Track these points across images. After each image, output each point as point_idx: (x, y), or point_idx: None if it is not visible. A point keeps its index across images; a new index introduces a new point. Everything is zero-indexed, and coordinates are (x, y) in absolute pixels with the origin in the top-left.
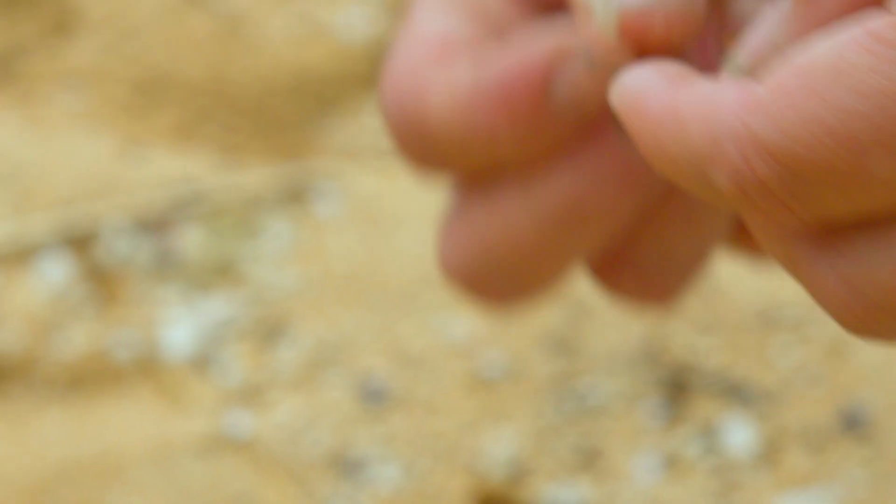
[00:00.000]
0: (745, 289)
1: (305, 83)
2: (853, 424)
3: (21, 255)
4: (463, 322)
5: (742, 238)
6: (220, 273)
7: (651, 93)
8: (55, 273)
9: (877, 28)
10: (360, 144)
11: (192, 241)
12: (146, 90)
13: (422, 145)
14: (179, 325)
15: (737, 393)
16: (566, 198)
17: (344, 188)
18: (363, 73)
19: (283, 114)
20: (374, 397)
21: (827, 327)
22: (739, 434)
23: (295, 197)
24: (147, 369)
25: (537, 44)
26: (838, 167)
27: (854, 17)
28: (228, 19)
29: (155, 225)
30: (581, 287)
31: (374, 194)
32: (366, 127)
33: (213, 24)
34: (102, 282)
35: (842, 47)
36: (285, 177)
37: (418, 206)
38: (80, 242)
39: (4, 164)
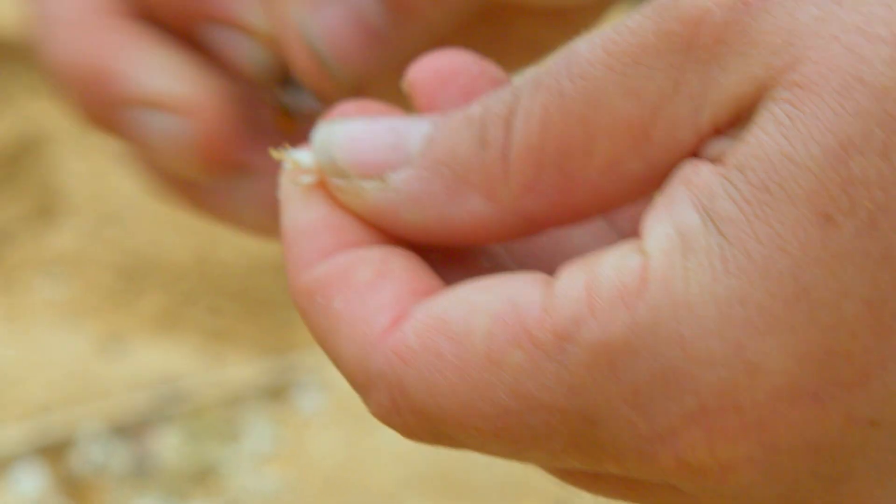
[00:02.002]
0: None
1: None
2: None
3: None
4: None
5: None
6: (198, 479)
7: (308, 273)
8: (29, 485)
9: (527, 319)
10: None
11: (170, 445)
12: (129, 275)
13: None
14: None
15: None
16: None
17: (327, 380)
18: None
19: (269, 294)
20: None
21: None
22: None
23: (277, 393)
24: None
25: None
26: (489, 443)
27: (512, 284)
28: None
29: (132, 429)
30: (565, 486)
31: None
32: None
33: None
34: (77, 492)
35: (494, 330)
36: (268, 372)
37: None
38: (54, 451)
39: None
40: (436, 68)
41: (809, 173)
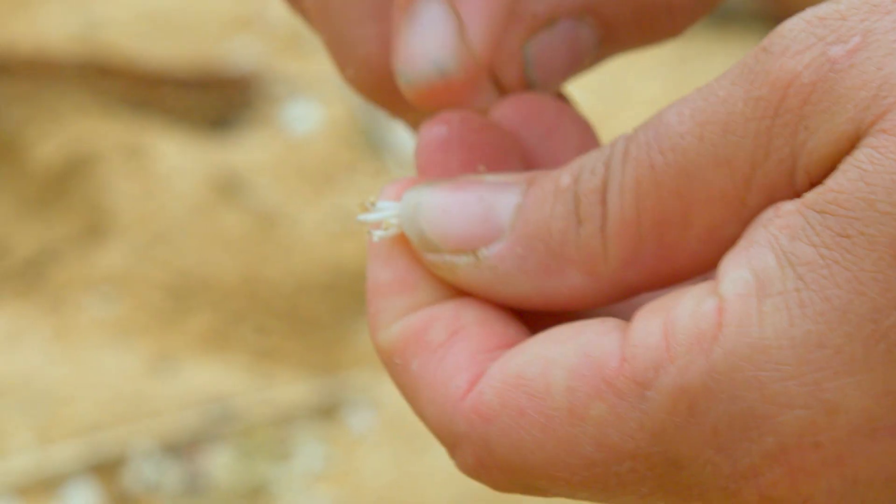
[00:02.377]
0: None
1: (340, 279)
2: None
3: (46, 485)
4: None
5: None
6: (250, 498)
7: (396, 340)
8: (82, 502)
9: (607, 370)
10: None
11: (221, 463)
12: (178, 295)
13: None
14: None
15: None
16: None
17: (378, 399)
18: None
19: (317, 313)
20: None
21: None
22: None
23: (327, 412)
24: None
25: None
26: (578, 493)
27: (584, 335)
28: (262, 216)
29: (184, 447)
30: None
31: (407, 405)
32: None
33: (246, 221)
34: None
35: (574, 384)
36: (318, 391)
37: None
38: (106, 469)
39: (31, 389)
40: (519, 107)
41: (890, 219)
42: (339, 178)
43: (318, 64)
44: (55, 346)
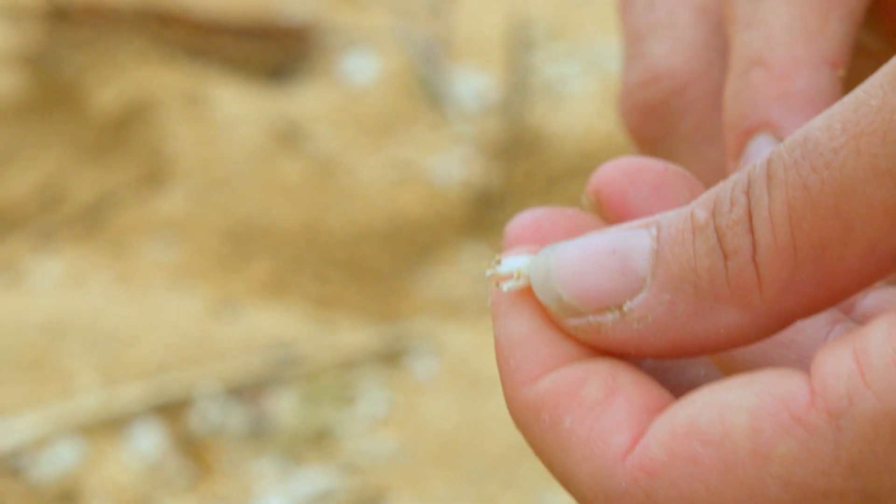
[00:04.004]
0: None
1: (400, 229)
2: None
3: (112, 425)
4: (563, 497)
5: None
6: (314, 442)
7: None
8: (147, 443)
9: (795, 407)
10: (455, 295)
11: (285, 407)
12: (238, 240)
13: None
14: (274, 499)
15: None
16: None
17: (440, 346)
18: (459, 218)
19: (377, 262)
20: None
21: None
22: None
23: (390, 358)
24: None
25: None
26: None
27: (761, 379)
28: (321, 164)
29: (248, 391)
30: None
31: (470, 352)
32: (462, 275)
33: (306, 169)
34: (195, 452)
35: (757, 424)
36: (381, 337)
37: None
38: (172, 410)
39: (96, 330)
40: (620, 169)
41: None
42: (397, 129)
43: (374, 16)
44: (118, 288)
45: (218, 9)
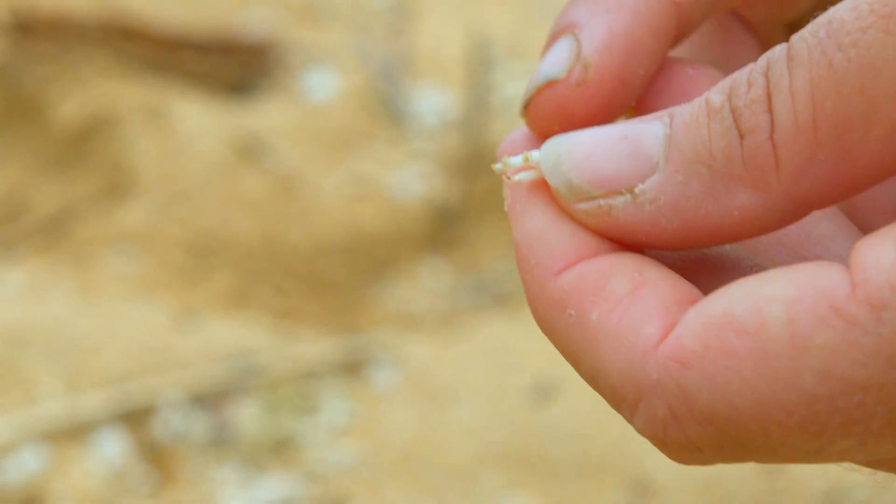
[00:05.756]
0: (812, 467)
1: (359, 243)
2: None
3: (76, 433)
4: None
5: None
6: (275, 450)
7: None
8: (111, 451)
9: (835, 298)
10: (414, 308)
11: (248, 416)
12: (199, 253)
13: None
14: None
15: None
16: None
17: (400, 357)
18: (418, 233)
19: (336, 275)
20: None
21: None
22: None
23: (351, 368)
24: None
25: None
26: (789, 441)
27: (800, 271)
28: (281, 179)
29: (211, 399)
30: (642, 466)
31: (430, 363)
32: (421, 289)
33: (267, 183)
34: (158, 459)
35: (795, 314)
36: (341, 348)
37: (475, 375)
38: (135, 418)
39: (59, 338)
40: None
41: None
42: (357, 145)
43: (335, 33)
44: (81, 299)
45: (180, 24)
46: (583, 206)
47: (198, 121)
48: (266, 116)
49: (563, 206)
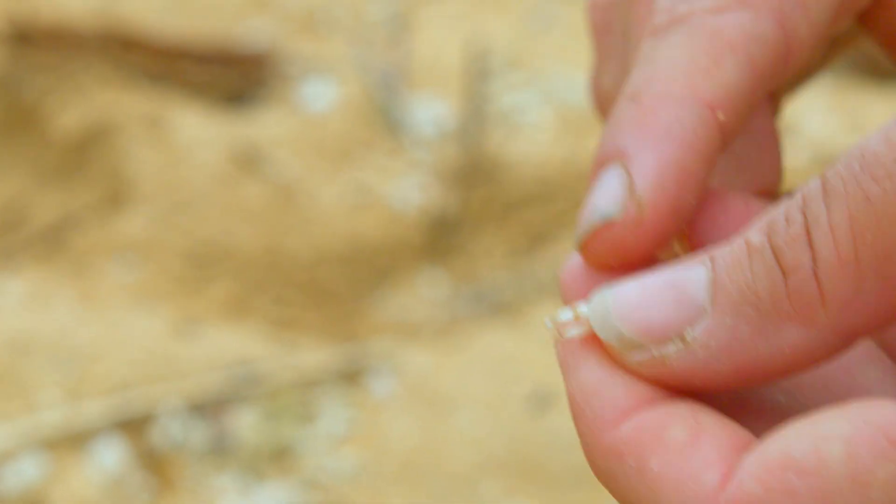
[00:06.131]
0: None
1: (359, 253)
2: None
3: (75, 440)
4: None
5: None
6: (275, 458)
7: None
8: (110, 458)
9: (891, 430)
10: (413, 317)
11: (247, 424)
12: (199, 262)
13: None
14: None
15: None
16: None
17: (399, 366)
18: (417, 242)
19: (336, 285)
20: None
21: None
22: None
23: (351, 377)
24: None
25: None
26: None
27: (853, 408)
28: (282, 188)
29: (210, 408)
30: None
31: (430, 372)
32: (420, 298)
33: (267, 193)
34: (157, 467)
35: (854, 451)
36: (341, 356)
37: (475, 384)
38: (134, 426)
39: (60, 347)
40: (707, 205)
41: None
42: (355, 154)
43: (334, 44)
44: (81, 307)
45: (180, 34)
46: (637, 357)
47: (197, 130)
48: (265, 126)
49: (615, 359)
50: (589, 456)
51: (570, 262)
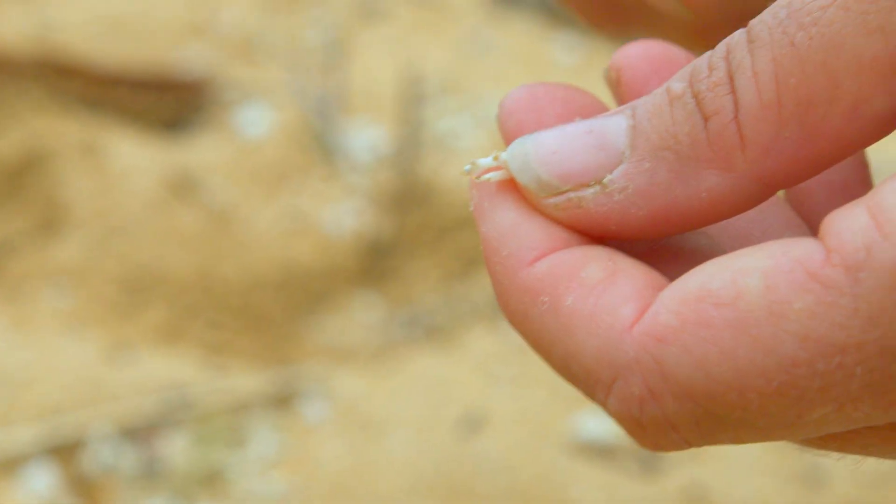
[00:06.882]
0: None
1: (293, 278)
2: None
3: (6, 466)
4: None
5: None
6: (206, 482)
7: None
8: (40, 484)
9: (810, 263)
10: (346, 342)
11: (178, 448)
12: (133, 288)
13: None
14: None
15: None
16: None
17: (331, 390)
18: (351, 267)
19: (270, 310)
20: None
21: None
22: None
23: (282, 401)
24: None
25: None
26: (768, 410)
27: (772, 245)
28: (217, 214)
29: (141, 432)
30: (568, 495)
31: (362, 396)
32: (354, 322)
33: (202, 219)
34: (88, 492)
35: (772, 283)
36: (272, 381)
37: (406, 407)
38: (65, 451)
39: None
40: (644, 54)
41: None
42: (290, 180)
43: (269, 71)
44: (13, 333)
45: (116, 61)
46: (552, 200)
47: (133, 157)
48: (201, 152)
49: (532, 203)
50: (501, 297)
51: (510, 96)
